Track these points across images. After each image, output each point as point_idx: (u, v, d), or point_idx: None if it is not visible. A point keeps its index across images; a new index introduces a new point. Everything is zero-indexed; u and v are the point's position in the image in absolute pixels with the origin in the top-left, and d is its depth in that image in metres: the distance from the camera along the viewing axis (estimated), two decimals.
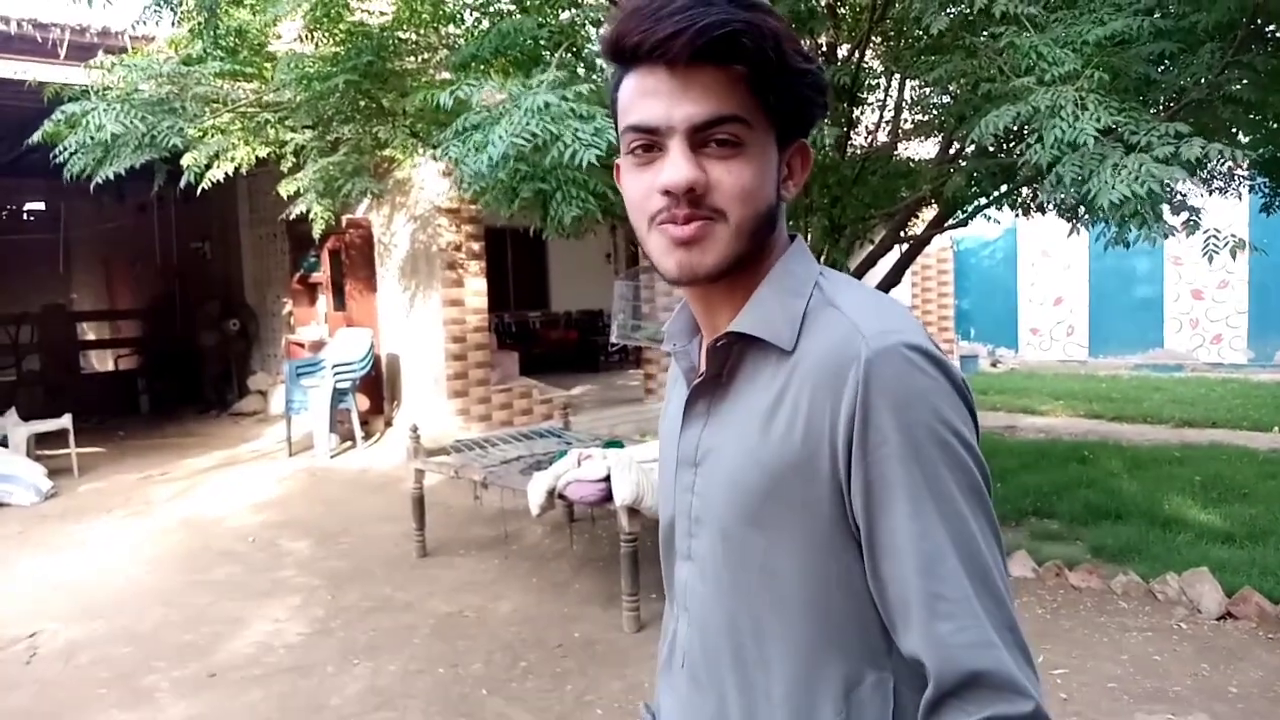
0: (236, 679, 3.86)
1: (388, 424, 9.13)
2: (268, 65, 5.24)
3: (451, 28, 5.04)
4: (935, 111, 5.68)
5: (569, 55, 4.02)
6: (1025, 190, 5.46)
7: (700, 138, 0.82)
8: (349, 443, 8.66)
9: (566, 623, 4.35)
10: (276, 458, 8.57)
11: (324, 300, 10.06)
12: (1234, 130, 4.85)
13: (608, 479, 4.20)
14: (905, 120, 5.90)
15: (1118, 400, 9.60)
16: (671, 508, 0.98)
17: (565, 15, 4.58)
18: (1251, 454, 6.91)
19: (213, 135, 5.06)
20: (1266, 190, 6.05)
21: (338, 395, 8.33)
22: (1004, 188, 5.31)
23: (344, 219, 8.52)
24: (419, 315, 8.69)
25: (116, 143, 4.39)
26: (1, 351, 11.88)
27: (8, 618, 4.63)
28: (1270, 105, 4.51)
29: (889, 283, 5.62)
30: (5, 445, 7.72)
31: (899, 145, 5.91)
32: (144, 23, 4.73)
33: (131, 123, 4.29)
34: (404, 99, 4.85)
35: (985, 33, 3.90)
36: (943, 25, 3.61)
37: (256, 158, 5.55)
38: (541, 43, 4.29)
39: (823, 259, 5.21)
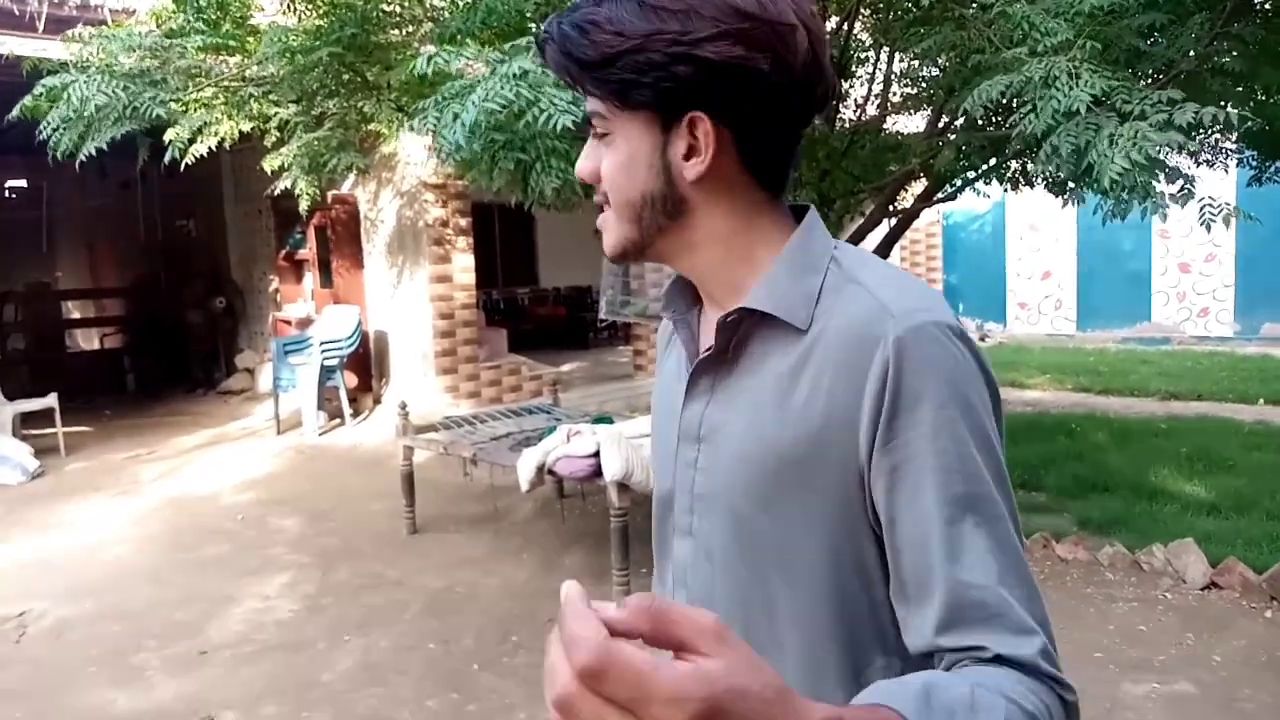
0: (227, 656, 3.87)
1: (376, 401, 9.10)
2: (251, 38, 5.17)
3: (436, 0, 4.98)
4: (924, 84, 5.65)
5: None
6: (1014, 163, 5.45)
7: (593, 128, 0.88)
8: (337, 420, 8.63)
9: (557, 598, 4.29)
10: (265, 436, 8.54)
11: (310, 277, 9.99)
12: (1223, 102, 4.84)
13: (597, 455, 4.20)
14: (894, 93, 5.88)
15: (1105, 373, 9.65)
16: (670, 482, 0.97)
17: None
18: (1237, 426, 6.97)
19: (195, 109, 5.00)
20: (1254, 163, 6.06)
21: (326, 373, 8.30)
22: (993, 161, 5.30)
23: (330, 195, 8.45)
24: (406, 292, 8.64)
25: (99, 114, 4.33)
26: None
27: None
28: (1259, 77, 4.50)
29: (878, 256, 5.61)
30: None
31: (888, 118, 5.88)
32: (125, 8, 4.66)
33: (114, 92, 4.22)
34: (389, 72, 4.80)
35: (974, 4, 3.87)
36: None
37: (240, 132, 5.48)
38: (527, 15, 4.24)
39: None
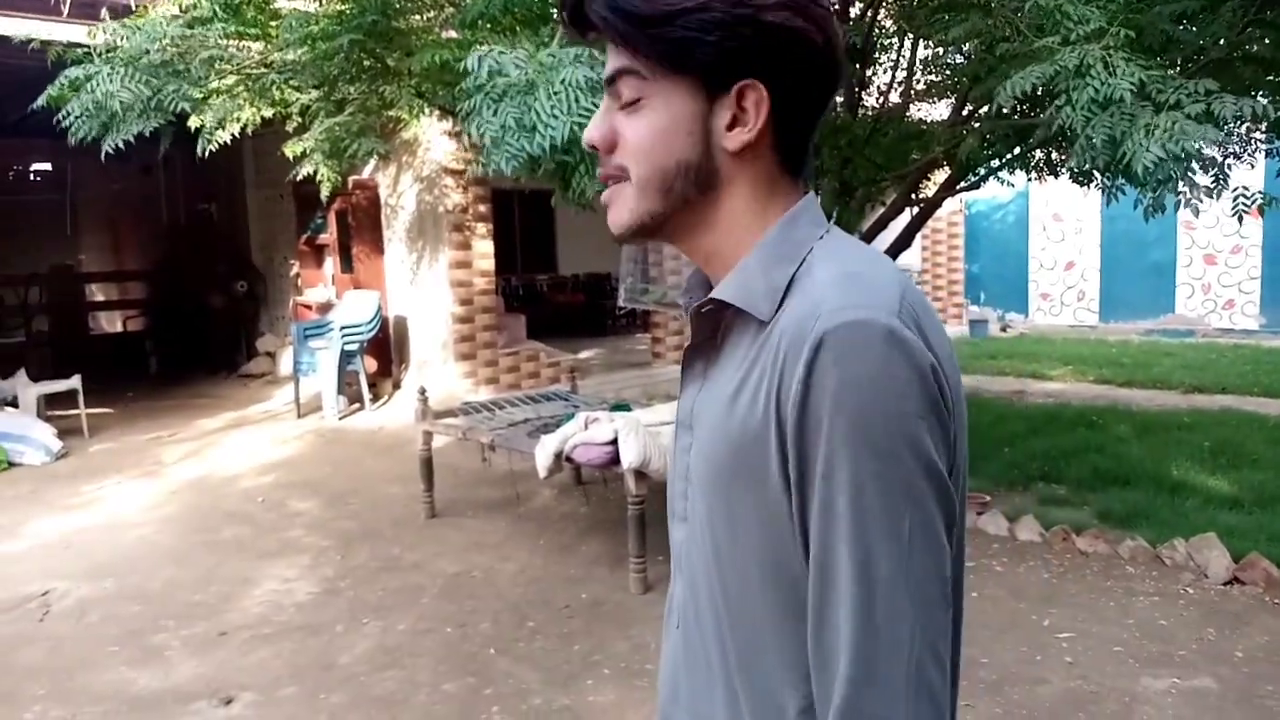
0: (246, 637, 3.90)
1: (396, 386, 9.14)
2: (273, 24, 5.17)
3: None
4: (949, 72, 5.60)
5: None
6: (1040, 152, 5.40)
7: (615, 93, 0.82)
8: (357, 404, 8.68)
9: (574, 584, 4.37)
10: (285, 419, 8.60)
11: (331, 262, 10.04)
12: (1254, 91, 4.77)
13: (615, 442, 4.20)
14: (918, 81, 5.82)
15: (1128, 365, 9.57)
16: (674, 469, 0.97)
17: None
18: (1261, 420, 6.88)
19: (218, 97, 5.01)
20: None
21: (346, 357, 8.34)
22: (1018, 149, 5.24)
23: (350, 180, 8.48)
24: (426, 277, 8.66)
25: (123, 110, 4.35)
26: (10, 312, 11.91)
27: (21, 576, 4.68)
28: None
29: (899, 246, 5.58)
30: (15, 406, 7.76)
31: (911, 106, 5.83)
32: None
33: (137, 87, 4.24)
34: (409, 58, 4.79)
35: None
36: None
37: (262, 118, 5.50)
38: (550, 1, 4.23)
39: (833, 221, 5.16)
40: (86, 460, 7.23)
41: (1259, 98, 4.83)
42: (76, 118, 4.44)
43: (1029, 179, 6.07)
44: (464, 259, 8.37)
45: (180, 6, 5.03)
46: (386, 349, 9.14)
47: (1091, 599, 3.99)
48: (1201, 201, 3.42)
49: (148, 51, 4.36)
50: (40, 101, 4.68)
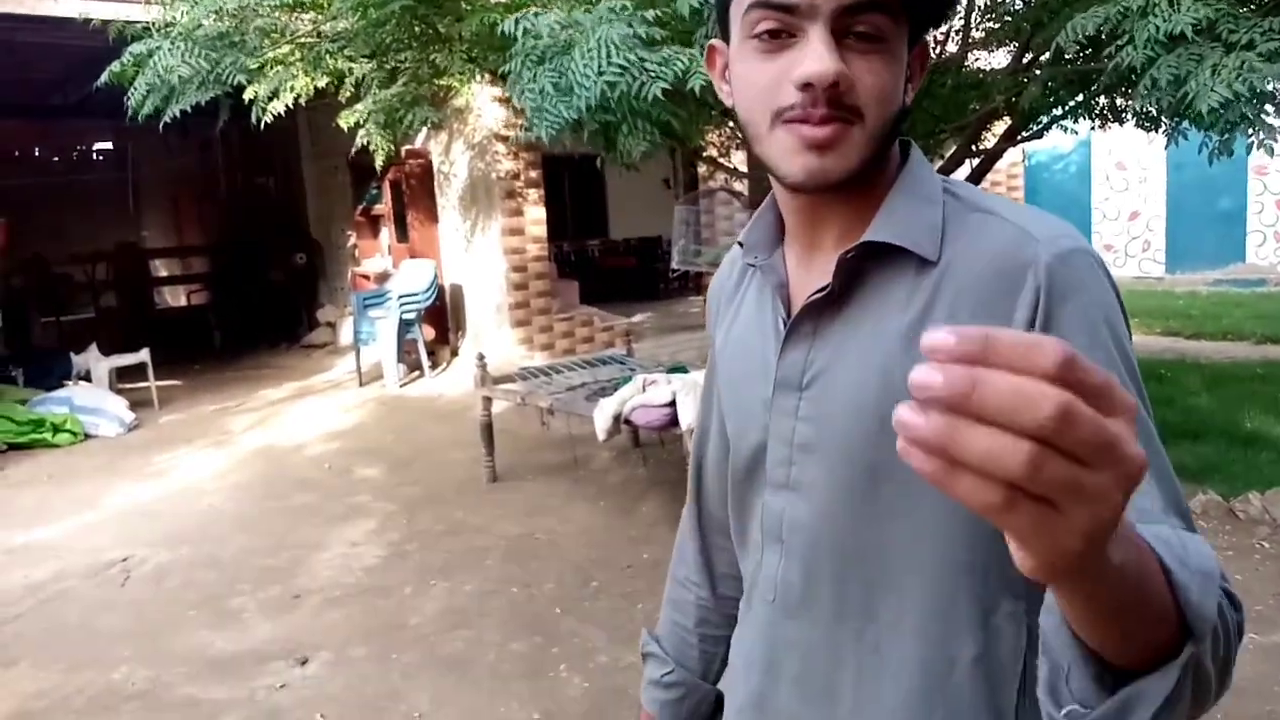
0: (318, 601, 4.00)
1: (453, 353, 9.24)
2: None
3: None
4: (1009, 18, 5.43)
5: None
6: (1103, 99, 5.22)
7: (842, 24, 0.73)
8: (417, 372, 8.80)
9: (635, 544, 4.40)
10: (347, 388, 8.75)
11: (387, 232, 10.14)
12: None
13: (673, 404, 4.20)
14: (977, 28, 5.65)
15: (1196, 317, 9.30)
16: (760, 434, 0.90)
17: None
18: None
19: (272, 68, 5.06)
20: None
21: (404, 326, 8.45)
22: (1081, 96, 5.08)
23: (403, 150, 8.52)
24: (480, 245, 8.71)
25: (183, 83, 4.42)
26: (79, 290, 12.25)
27: (102, 543, 4.85)
28: None
29: None
30: (89, 380, 8.01)
31: (969, 55, 5.67)
32: None
33: (196, 61, 4.30)
34: (460, 23, 4.78)
35: None
36: None
37: (315, 89, 5.53)
38: None
39: None
40: (158, 431, 7.44)
41: None
42: (142, 95, 4.52)
43: (1092, 127, 5.88)
44: (516, 226, 8.40)
45: None
46: (444, 317, 9.23)
47: None
48: (1276, 142, 3.27)
49: (202, 24, 4.41)
50: (103, 79, 4.77)
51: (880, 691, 0.83)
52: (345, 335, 10.38)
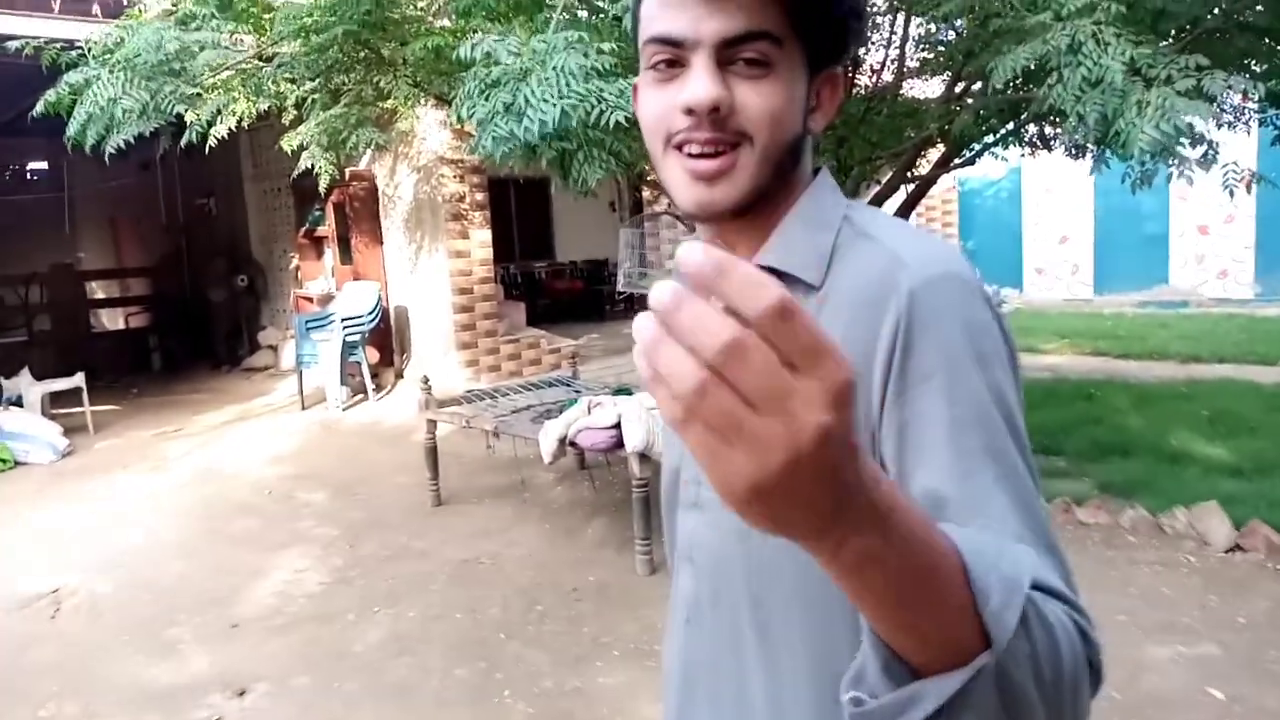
0: (259, 629, 3.94)
1: (398, 376, 9.17)
2: (266, 17, 5.17)
3: None
4: (941, 49, 5.60)
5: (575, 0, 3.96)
6: (1032, 127, 5.40)
7: (728, 55, 0.76)
8: (360, 395, 8.71)
9: (581, 567, 4.41)
10: (289, 411, 8.63)
11: (330, 254, 10.04)
12: (1248, 60, 4.77)
13: (618, 426, 4.24)
14: (911, 58, 5.82)
15: (1124, 337, 9.59)
16: (677, 454, 0.93)
17: None
18: (1258, 388, 6.91)
19: (213, 93, 5.02)
20: (1277, 123, 5.97)
21: (347, 348, 8.37)
22: (1011, 125, 5.25)
23: (347, 171, 8.48)
24: (425, 267, 8.68)
25: (124, 113, 4.37)
26: (11, 312, 11.91)
27: (31, 574, 4.72)
28: None
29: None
30: (20, 405, 7.80)
31: (904, 84, 5.83)
32: None
33: (138, 92, 4.26)
34: (404, 48, 4.80)
35: None
36: None
37: (258, 112, 5.50)
38: None
39: None
40: (92, 457, 7.27)
41: (1253, 67, 4.87)
42: (81, 125, 4.45)
43: (1022, 154, 6.08)
44: (462, 248, 8.39)
45: (173, 2, 5.03)
46: (388, 339, 9.17)
47: (1095, 569, 4.03)
48: (1193, 174, 3.43)
49: (140, 55, 4.37)
50: (39, 109, 4.69)
51: (784, 708, 0.84)
52: (287, 358, 10.25)
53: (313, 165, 5.61)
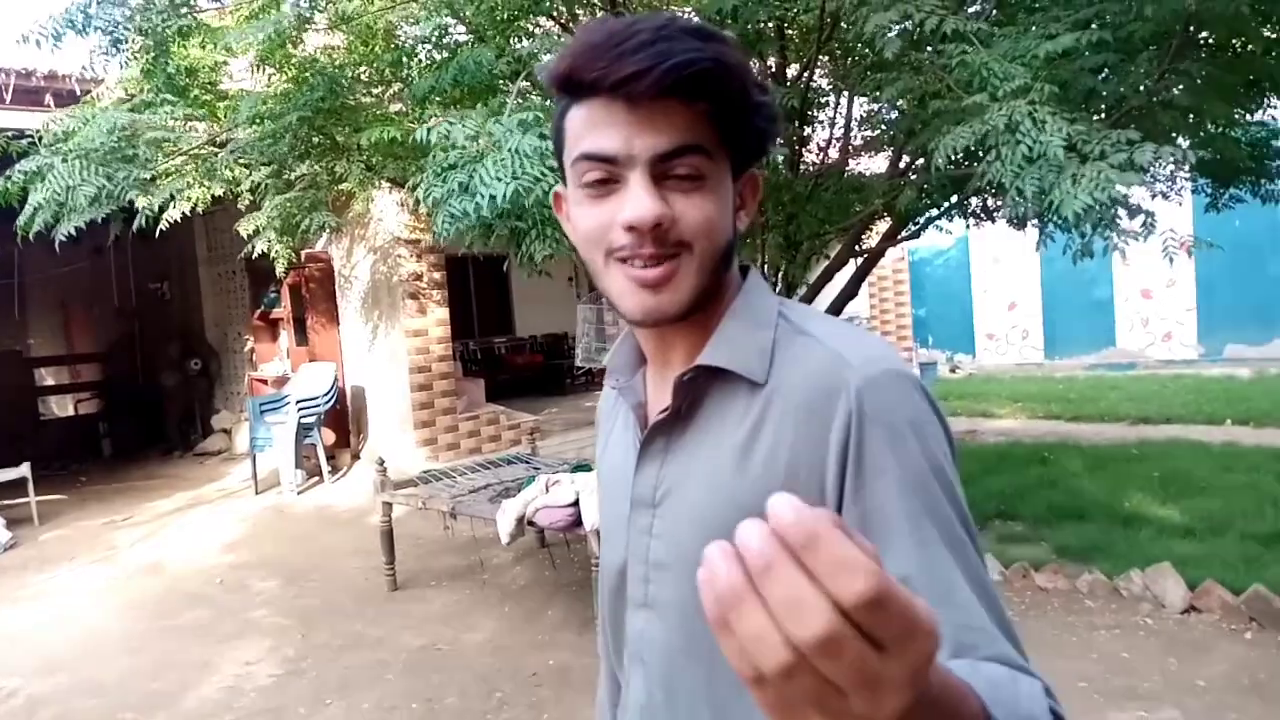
0: None
1: (355, 457, 9.06)
2: (220, 104, 5.22)
3: (405, 59, 5.06)
4: (884, 127, 5.78)
5: (526, 84, 4.05)
6: (975, 200, 5.57)
7: (661, 169, 0.78)
8: (316, 478, 8.57)
9: (541, 650, 4.33)
10: (243, 496, 8.46)
11: (286, 336, 9.98)
12: (1174, 135, 4.98)
13: (576, 504, 4.21)
14: (855, 137, 6.00)
15: (1075, 400, 9.77)
16: (623, 553, 0.93)
17: (523, 45, 4.61)
18: (1207, 448, 7.06)
19: (166, 178, 5.03)
20: (1209, 191, 6.22)
21: (303, 431, 8.26)
22: (954, 198, 5.41)
23: (303, 253, 8.48)
24: (382, 347, 8.65)
25: (82, 200, 4.36)
26: None
27: None
28: (1207, 110, 4.64)
29: (846, 295, 5.70)
30: None
31: (850, 161, 6.00)
32: (92, 69, 4.70)
33: (95, 179, 4.26)
34: (358, 134, 4.86)
35: (930, 49, 3.98)
36: (895, 49, 3.61)
37: (212, 196, 5.52)
38: (499, 74, 4.32)
39: (780, 275, 5.28)
40: (37, 549, 7.04)
41: (1181, 140, 5.08)
42: (31, 214, 4.43)
43: (967, 226, 6.26)
44: (419, 327, 8.38)
45: (126, 91, 5.07)
46: (344, 420, 9.07)
47: (1055, 635, 4.04)
48: (1128, 244, 3.55)
49: (95, 140, 4.38)
50: None
51: None
52: (241, 442, 10.09)
53: (268, 248, 5.62)
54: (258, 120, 4.62)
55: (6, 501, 7.84)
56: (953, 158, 3.66)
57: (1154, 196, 5.78)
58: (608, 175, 0.80)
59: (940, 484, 0.77)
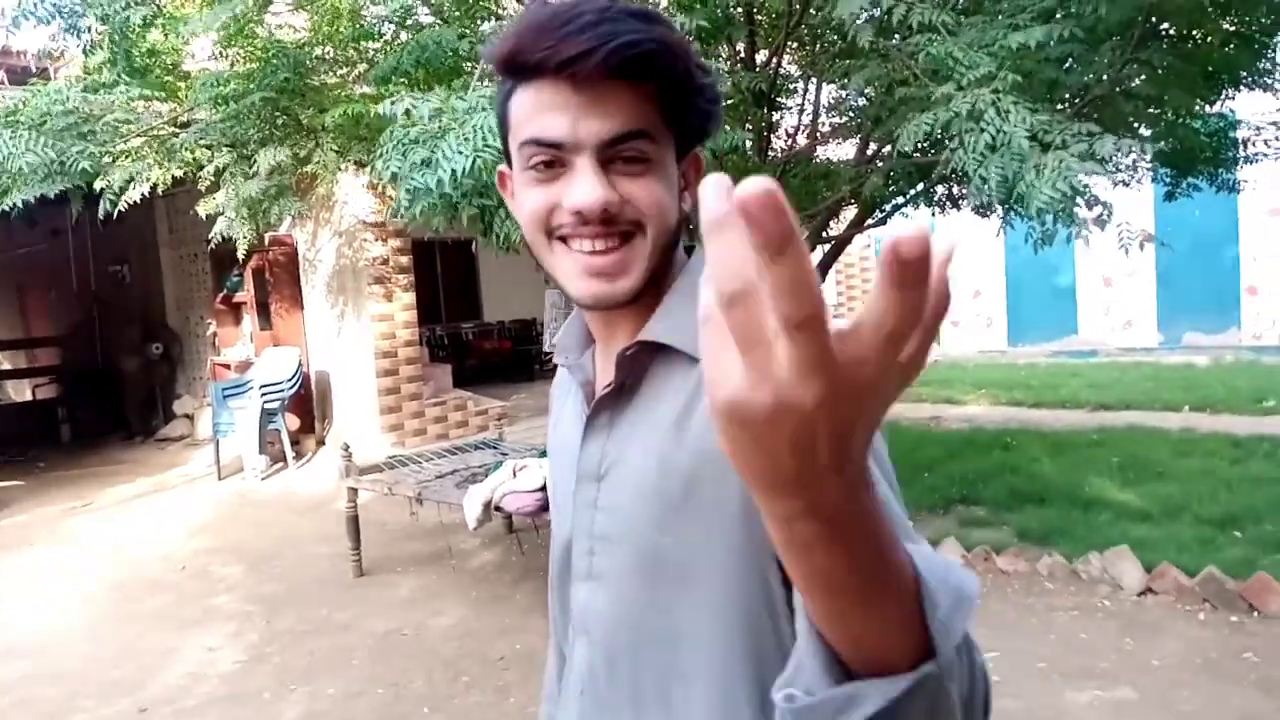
0: (168, 713, 3.77)
1: (319, 443, 8.98)
2: (181, 85, 5.13)
3: (369, 42, 5.00)
4: (852, 114, 5.80)
5: (490, 66, 4.01)
6: (940, 188, 5.62)
7: (607, 154, 0.80)
8: (280, 464, 8.49)
9: (508, 634, 4.34)
10: (205, 482, 8.37)
11: (249, 320, 9.85)
12: (1135, 124, 5.05)
13: (544, 489, 4.20)
14: (823, 123, 6.02)
15: (1036, 387, 9.90)
16: (569, 527, 0.95)
17: (487, 26, 4.57)
18: (1164, 434, 7.19)
19: (125, 159, 4.94)
20: (1168, 179, 6.32)
21: (266, 416, 8.18)
22: (920, 186, 5.45)
23: (267, 236, 8.37)
24: (348, 332, 8.57)
25: (26, 172, 4.27)
26: None
27: None
28: (1168, 99, 4.71)
29: None
30: None
31: (818, 147, 6.02)
32: (51, 54, 4.60)
33: (42, 150, 4.17)
34: (323, 114, 4.80)
35: (897, 36, 4.00)
36: (869, 35, 3.61)
37: (173, 178, 5.43)
38: (462, 54, 4.28)
39: None
40: None
41: (1142, 129, 5.15)
42: None
43: (932, 213, 6.31)
44: (385, 312, 8.31)
45: (84, 69, 4.96)
46: (309, 406, 8.98)
47: (1015, 617, 4.11)
48: (1090, 233, 3.60)
49: (49, 115, 4.29)
50: None
51: None
52: (204, 427, 9.96)
53: (230, 231, 5.54)
54: (220, 101, 4.54)
55: None
56: (918, 145, 3.69)
57: (1115, 185, 5.87)
58: (553, 159, 0.81)
59: (886, 463, 0.78)
